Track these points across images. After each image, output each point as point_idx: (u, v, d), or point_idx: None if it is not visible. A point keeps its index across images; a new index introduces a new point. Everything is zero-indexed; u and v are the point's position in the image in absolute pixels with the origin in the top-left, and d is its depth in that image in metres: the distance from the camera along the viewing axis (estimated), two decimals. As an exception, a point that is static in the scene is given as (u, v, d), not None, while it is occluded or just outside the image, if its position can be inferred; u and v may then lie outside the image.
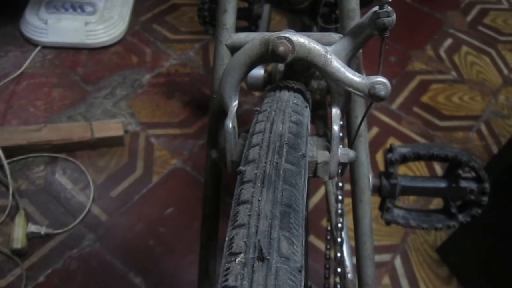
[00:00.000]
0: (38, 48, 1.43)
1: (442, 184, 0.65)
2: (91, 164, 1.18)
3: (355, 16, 0.42)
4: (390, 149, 0.64)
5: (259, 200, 0.27)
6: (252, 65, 0.39)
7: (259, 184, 0.28)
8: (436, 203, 1.17)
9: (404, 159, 0.64)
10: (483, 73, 1.51)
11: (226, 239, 0.27)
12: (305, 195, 0.31)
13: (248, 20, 0.92)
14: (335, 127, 0.38)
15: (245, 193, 0.28)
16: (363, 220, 0.46)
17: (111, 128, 1.22)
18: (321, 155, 0.38)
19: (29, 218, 1.06)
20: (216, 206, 0.47)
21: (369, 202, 0.46)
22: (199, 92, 1.38)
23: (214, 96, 0.45)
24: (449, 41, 1.60)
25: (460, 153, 0.62)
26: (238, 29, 0.47)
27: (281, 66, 0.59)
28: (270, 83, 0.60)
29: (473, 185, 0.63)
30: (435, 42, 1.59)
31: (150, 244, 1.05)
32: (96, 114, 1.29)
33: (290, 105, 0.37)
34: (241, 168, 0.31)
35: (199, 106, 1.34)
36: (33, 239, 1.03)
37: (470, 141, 1.33)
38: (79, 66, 1.41)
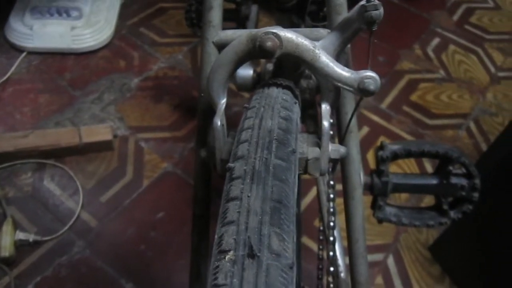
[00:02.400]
0: (24, 54, 1.41)
1: (433, 181, 0.64)
2: (80, 170, 1.17)
3: (342, 10, 0.42)
4: (381, 147, 0.63)
5: (248, 196, 0.27)
6: (240, 62, 0.38)
7: (248, 180, 0.28)
8: (428, 201, 1.17)
9: (395, 156, 0.64)
10: (470, 71, 1.53)
11: (216, 236, 0.26)
12: (296, 191, 0.30)
13: (235, 21, 0.92)
14: (325, 123, 0.37)
15: (234, 190, 0.27)
16: (355, 218, 0.46)
17: (100, 132, 1.21)
18: (312, 152, 0.37)
19: (17, 226, 1.04)
20: (207, 207, 0.46)
21: (361, 199, 0.46)
22: (188, 95, 1.37)
23: (202, 94, 0.44)
24: (436, 40, 1.61)
25: (451, 149, 0.62)
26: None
27: (270, 66, 0.58)
28: (259, 83, 0.59)
29: (463, 181, 0.63)
30: (422, 42, 1.60)
31: (141, 249, 1.04)
32: (84, 119, 1.28)
33: (279, 101, 0.37)
34: (230, 164, 0.30)
35: (188, 109, 1.33)
36: (21, 247, 1.01)
37: (459, 139, 1.34)
38: (66, 71, 1.40)
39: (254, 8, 0.95)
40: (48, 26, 1.41)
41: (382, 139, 1.30)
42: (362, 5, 0.35)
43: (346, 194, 0.47)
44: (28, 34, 1.41)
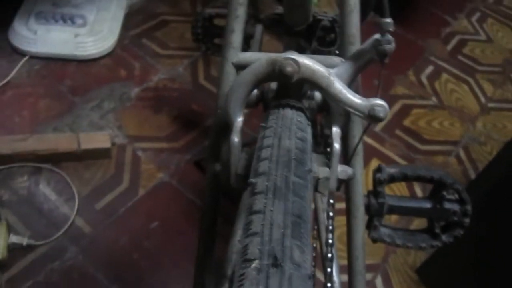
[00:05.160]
0: (26, 57, 1.42)
1: (427, 205, 0.67)
2: (76, 176, 1.17)
3: (355, 41, 0.45)
4: (379, 169, 0.66)
5: (271, 210, 0.29)
6: (258, 83, 0.41)
7: (270, 196, 0.30)
8: (418, 223, 1.19)
9: (392, 179, 0.67)
10: (462, 100, 1.57)
11: (240, 246, 0.28)
12: (311, 207, 0.32)
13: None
14: (336, 145, 0.40)
15: (257, 204, 0.30)
16: (356, 236, 0.48)
17: (98, 140, 1.22)
18: (322, 171, 0.40)
19: (10, 229, 1.04)
20: (215, 220, 0.48)
21: (363, 219, 0.48)
22: (187, 107, 1.39)
23: (219, 111, 0.47)
24: (430, 68, 1.66)
25: (445, 175, 0.65)
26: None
27: (273, 85, 0.61)
28: (262, 101, 0.62)
29: (456, 207, 0.66)
30: (417, 68, 1.65)
31: (135, 258, 1.05)
32: (83, 126, 1.29)
33: (295, 122, 0.39)
34: (252, 180, 0.32)
35: (186, 121, 1.35)
36: (14, 250, 1.01)
37: (449, 165, 1.38)
38: (67, 77, 1.41)
39: (259, 28, 0.99)
40: (52, 32, 1.43)
41: (374, 161, 1.34)
42: (376, 39, 0.38)
43: (348, 213, 0.49)
44: (31, 39, 1.42)
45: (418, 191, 1.28)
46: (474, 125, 1.50)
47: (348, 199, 0.48)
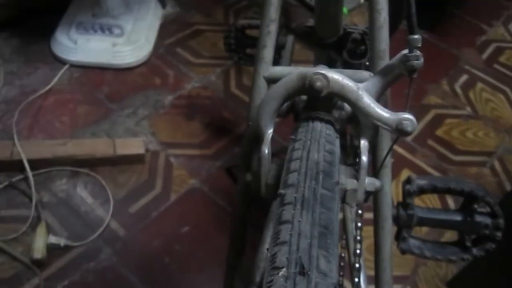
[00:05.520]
0: (66, 66, 1.49)
1: (458, 218, 0.67)
2: (111, 180, 1.22)
3: (385, 56, 0.46)
4: (408, 181, 0.66)
5: (299, 221, 0.30)
6: (289, 97, 0.43)
7: (299, 207, 0.31)
8: (449, 236, 1.18)
9: (422, 191, 0.66)
10: (497, 110, 1.54)
11: (268, 254, 0.29)
12: (338, 219, 0.34)
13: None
14: (364, 158, 0.41)
15: (286, 214, 0.31)
16: (384, 247, 0.49)
17: (133, 146, 1.26)
18: (350, 183, 0.41)
19: (49, 230, 1.09)
20: (245, 226, 0.50)
21: (390, 230, 0.49)
22: (219, 115, 1.42)
23: (250, 123, 0.48)
24: (464, 77, 1.63)
25: (476, 188, 0.64)
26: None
27: (304, 96, 0.62)
28: (293, 111, 0.63)
29: (487, 220, 0.65)
30: (450, 78, 1.62)
31: (166, 261, 1.08)
32: (119, 131, 1.34)
33: (323, 135, 0.41)
34: (281, 191, 0.34)
35: (218, 129, 1.38)
36: (53, 250, 1.06)
37: (483, 177, 1.35)
38: (105, 85, 1.47)
39: (290, 39, 1.00)
40: (92, 42, 1.49)
41: (405, 171, 1.32)
42: (405, 54, 0.39)
43: (376, 224, 0.50)
44: (72, 48, 1.49)
45: (451, 203, 1.26)
46: (510, 135, 1.47)
47: (376, 211, 0.49)
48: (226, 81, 1.53)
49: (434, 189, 0.67)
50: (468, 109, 1.53)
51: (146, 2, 1.68)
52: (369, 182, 0.42)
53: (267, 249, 0.31)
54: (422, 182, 0.67)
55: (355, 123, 0.66)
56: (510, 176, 1.35)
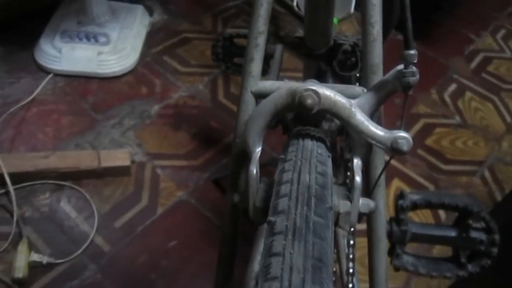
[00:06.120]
0: (50, 75, 1.45)
1: (452, 233, 0.65)
2: (96, 193, 1.18)
3: (378, 71, 0.44)
4: (401, 196, 0.64)
5: (291, 253, 0.28)
6: (278, 114, 0.40)
7: (290, 237, 0.29)
8: (439, 250, 1.16)
9: (415, 206, 0.65)
10: (486, 119, 1.54)
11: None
12: (332, 247, 0.31)
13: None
14: (357, 178, 0.39)
15: (276, 245, 0.29)
16: (379, 268, 0.47)
17: (118, 157, 1.23)
18: (343, 205, 0.39)
19: (31, 246, 1.05)
20: (233, 248, 0.47)
21: (385, 250, 0.47)
22: (206, 125, 1.40)
23: (237, 140, 0.46)
24: (453, 86, 1.63)
25: (471, 203, 0.63)
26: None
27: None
28: (281, 123, 0.61)
29: (483, 236, 0.64)
30: (439, 87, 1.62)
31: (152, 277, 1.04)
32: (104, 142, 1.30)
33: (315, 154, 0.38)
34: (271, 218, 0.32)
35: (206, 139, 1.35)
36: (35, 268, 1.02)
37: (473, 186, 1.34)
38: (90, 94, 1.43)
39: (279, 48, 0.98)
40: (77, 50, 1.46)
41: (396, 181, 1.31)
42: (400, 70, 0.37)
43: (371, 245, 0.48)
44: (56, 57, 1.45)
45: (442, 214, 1.25)
46: (499, 144, 1.47)
47: (370, 231, 0.47)
48: (213, 90, 1.51)
49: (428, 205, 0.65)
50: (457, 118, 1.53)
51: (133, 9, 1.65)
52: (363, 203, 0.40)
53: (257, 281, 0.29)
54: (415, 197, 0.65)
55: (346, 135, 0.64)
56: (500, 186, 1.34)
